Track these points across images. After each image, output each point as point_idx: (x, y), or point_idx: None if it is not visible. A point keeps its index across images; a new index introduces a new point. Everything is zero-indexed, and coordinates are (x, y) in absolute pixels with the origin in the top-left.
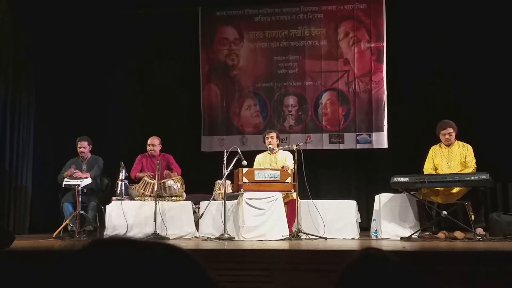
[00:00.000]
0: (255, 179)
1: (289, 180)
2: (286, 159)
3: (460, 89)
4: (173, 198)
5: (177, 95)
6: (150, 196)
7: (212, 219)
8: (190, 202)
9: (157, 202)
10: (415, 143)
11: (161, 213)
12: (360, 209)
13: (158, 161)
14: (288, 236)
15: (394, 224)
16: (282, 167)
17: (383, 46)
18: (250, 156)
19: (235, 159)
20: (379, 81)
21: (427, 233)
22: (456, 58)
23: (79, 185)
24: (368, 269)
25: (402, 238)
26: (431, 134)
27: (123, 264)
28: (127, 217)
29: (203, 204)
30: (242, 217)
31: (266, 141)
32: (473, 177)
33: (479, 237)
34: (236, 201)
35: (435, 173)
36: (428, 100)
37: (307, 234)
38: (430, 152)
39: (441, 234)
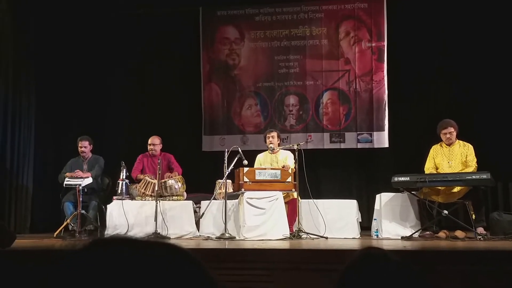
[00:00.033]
0: (256, 178)
1: (289, 179)
2: (287, 159)
3: (461, 88)
4: (174, 197)
5: (177, 95)
6: (151, 195)
7: (213, 218)
8: (191, 202)
9: (158, 201)
10: (416, 142)
11: (162, 212)
12: (361, 208)
13: (159, 161)
14: (288, 236)
15: (395, 224)
16: (283, 167)
17: (384, 45)
18: (251, 156)
19: (236, 158)
20: (380, 80)
21: (428, 232)
22: (457, 57)
23: (80, 185)
24: (369, 268)
25: (403, 238)
26: (432, 134)
27: (124, 263)
28: (128, 216)
29: (204, 203)
30: (243, 217)
31: (267, 140)
32: (474, 177)
33: (480, 237)
34: (237, 200)
35: (436, 172)
36: (429, 99)
37: (307, 233)
38: (431, 151)
39: (442, 234)
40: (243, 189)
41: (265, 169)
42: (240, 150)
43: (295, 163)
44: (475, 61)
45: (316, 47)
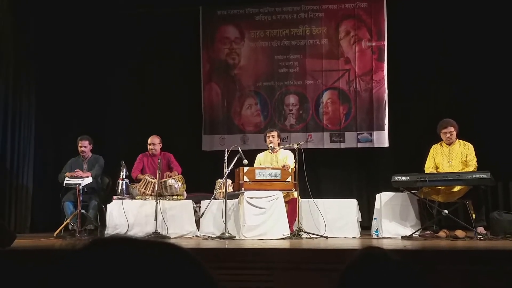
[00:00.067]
0: (256, 178)
1: (290, 179)
2: (287, 158)
3: (461, 88)
4: (174, 197)
5: (177, 94)
6: (151, 195)
7: (213, 218)
8: (191, 201)
9: (158, 201)
10: (416, 142)
11: (162, 212)
12: (361, 208)
13: (159, 160)
14: (289, 235)
15: (395, 223)
16: (283, 166)
17: (384, 45)
18: (251, 155)
19: (236, 158)
20: (380, 80)
21: (428, 232)
22: (457, 57)
23: (80, 184)
24: (369, 268)
25: (403, 237)
26: (432, 133)
27: (124, 263)
28: (128, 216)
29: (204, 203)
30: (243, 216)
31: (267, 140)
32: (474, 176)
33: (480, 236)
34: (237, 200)
35: (436, 172)
36: (429, 99)
37: (308, 233)
38: (431, 150)
39: (442, 233)
40: (243, 189)
41: (265, 168)
42: (240, 150)
43: (295, 162)
44: (475, 61)
45: (316, 47)
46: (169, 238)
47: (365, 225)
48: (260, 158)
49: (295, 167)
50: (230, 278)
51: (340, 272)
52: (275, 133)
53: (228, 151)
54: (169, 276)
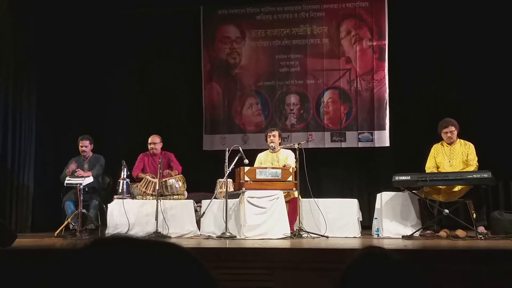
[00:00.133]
0: (256, 177)
1: (290, 178)
2: (288, 158)
3: (461, 88)
4: (174, 196)
5: (177, 94)
6: (151, 194)
7: (213, 217)
8: (191, 201)
9: (159, 200)
10: (417, 141)
11: (162, 211)
12: (362, 207)
13: (160, 160)
14: (289, 235)
15: (395, 223)
16: (284, 166)
17: (385, 44)
18: (252, 155)
19: (237, 157)
20: (381, 79)
21: (428, 231)
22: (457, 57)
23: (81, 184)
24: (369, 267)
25: (403, 237)
26: (432, 133)
27: (125, 262)
28: (129, 215)
29: (204, 202)
30: (243, 216)
31: (268, 139)
32: (475, 176)
33: (480, 236)
34: (237, 199)
35: (437, 171)
36: (429, 99)
37: (308, 232)
38: (432, 150)
39: (442, 233)
40: (243, 188)
41: (266, 168)
42: (241, 149)
43: (296, 162)
44: (475, 61)
45: (317, 46)
46: (170, 237)
47: (366, 224)
48: (261, 158)
49: (295, 166)
50: (231, 278)
51: (341, 272)
52: (276, 133)
53: (228, 150)
54: (170, 275)
